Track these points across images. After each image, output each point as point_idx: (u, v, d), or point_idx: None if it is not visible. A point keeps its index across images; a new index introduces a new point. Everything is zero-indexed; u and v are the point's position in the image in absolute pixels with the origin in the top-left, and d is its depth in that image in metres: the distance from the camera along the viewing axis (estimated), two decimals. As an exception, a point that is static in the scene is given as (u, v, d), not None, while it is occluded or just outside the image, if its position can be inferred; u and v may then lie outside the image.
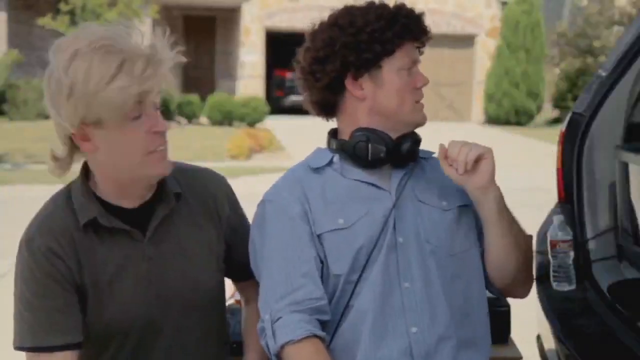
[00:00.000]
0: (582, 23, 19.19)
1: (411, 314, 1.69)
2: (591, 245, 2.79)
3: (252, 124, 16.60)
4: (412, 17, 1.76)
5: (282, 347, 1.62)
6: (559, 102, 19.35)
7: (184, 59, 1.61)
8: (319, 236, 1.73)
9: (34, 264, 1.60)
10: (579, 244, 2.73)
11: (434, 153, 1.87)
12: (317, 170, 1.80)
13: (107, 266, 1.63)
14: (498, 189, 1.74)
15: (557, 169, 2.92)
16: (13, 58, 16.60)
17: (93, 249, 1.62)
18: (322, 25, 1.79)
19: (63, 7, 15.03)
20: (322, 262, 1.72)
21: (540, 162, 10.39)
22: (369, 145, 1.75)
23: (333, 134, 1.85)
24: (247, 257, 1.80)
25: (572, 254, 1.92)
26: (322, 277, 1.71)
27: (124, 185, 1.63)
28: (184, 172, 1.74)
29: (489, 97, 19.12)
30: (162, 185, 1.68)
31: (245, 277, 1.85)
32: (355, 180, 1.77)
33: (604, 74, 2.84)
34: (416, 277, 1.71)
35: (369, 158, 1.75)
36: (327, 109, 1.82)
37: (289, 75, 19.99)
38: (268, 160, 12.46)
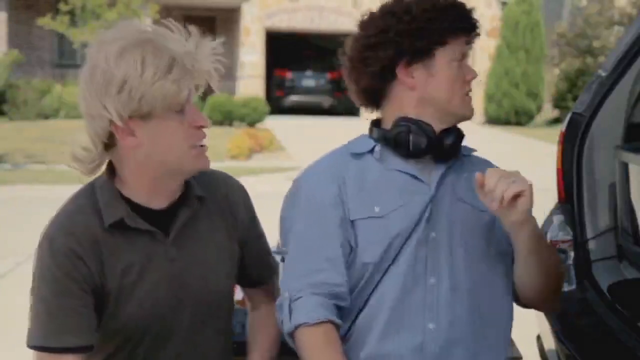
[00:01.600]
0: (581, 23, 19.19)
1: (431, 310, 1.69)
2: (591, 245, 2.79)
3: (252, 124, 16.60)
4: (465, 10, 1.78)
5: (297, 327, 1.65)
6: (559, 102, 19.34)
7: (222, 58, 1.62)
8: (352, 222, 1.73)
9: (54, 264, 1.58)
10: (579, 244, 2.74)
11: (474, 150, 1.87)
12: (357, 155, 1.80)
13: (130, 267, 1.62)
14: (533, 224, 1.67)
15: (557, 169, 2.92)
16: (13, 58, 16.60)
17: (116, 250, 1.62)
18: (374, 14, 1.79)
19: (63, 7, 15.02)
20: (351, 248, 1.72)
21: (540, 162, 10.37)
22: (410, 135, 1.74)
23: (375, 123, 1.85)
24: (259, 263, 1.81)
25: (572, 254, 1.92)
26: (349, 264, 1.71)
27: (162, 182, 1.63)
28: (203, 175, 1.74)
29: (489, 97, 19.11)
30: (187, 187, 1.68)
31: (255, 283, 1.85)
32: (396, 170, 1.76)
33: (604, 74, 2.84)
34: (444, 275, 1.70)
35: (410, 148, 1.75)
36: (374, 97, 1.82)
37: (289, 75, 20.00)
38: (268, 160, 12.46)
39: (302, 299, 1.66)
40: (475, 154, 1.89)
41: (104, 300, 1.62)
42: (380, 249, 1.70)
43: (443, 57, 1.75)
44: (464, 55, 1.78)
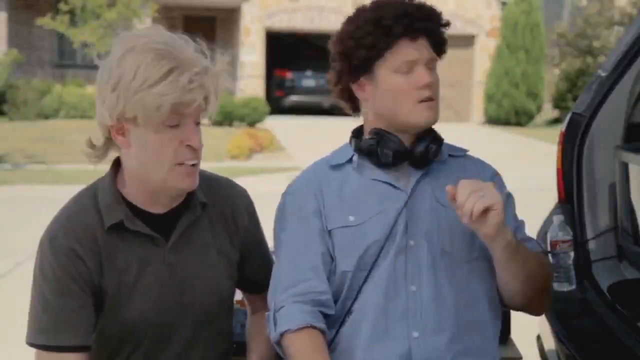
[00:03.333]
0: (581, 23, 19.18)
1: (414, 318, 1.69)
2: (591, 245, 2.80)
3: (252, 124, 16.59)
4: (408, 16, 1.72)
5: (282, 335, 1.66)
6: (559, 102, 19.34)
7: (230, 86, 1.64)
8: (330, 232, 1.75)
9: (55, 263, 1.60)
10: (579, 244, 2.74)
11: (467, 151, 1.87)
12: (336, 167, 1.82)
13: (128, 269, 1.63)
14: (508, 235, 1.66)
15: (557, 169, 2.92)
16: (13, 58, 16.59)
17: (115, 251, 1.63)
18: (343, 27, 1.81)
19: (63, 7, 15.02)
20: (332, 258, 1.75)
21: (540, 162, 10.38)
22: (378, 148, 1.76)
23: (356, 132, 1.87)
24: (261, 271, 1.82)
25: (572, 254, 1.91)
26: (330, 273, 1.74)
27: (150, 190, 1.64)
28: (207, 181, 1.75)
29: (489, 98, 19.11)
30: (190, 193, 1.68)
31: (255, 289, 1.87)
32: (372, 179, 1.78)
33: (604, 74, 2.84)
34: (425, 282, 1.71)
35: (382, 160, 1.77)
36: (351, 108, 1.87)
37: (289, 75, 19.99)
38: (268, 160, 12.46)
39: (284, 308, 1.69)
40: (469, 153, 1.88)
41: (102, 301, 1.63)
42: (355, 256, 1.72)
43: (383, 70, 1.74)
44: (412, 62, 1.72)
